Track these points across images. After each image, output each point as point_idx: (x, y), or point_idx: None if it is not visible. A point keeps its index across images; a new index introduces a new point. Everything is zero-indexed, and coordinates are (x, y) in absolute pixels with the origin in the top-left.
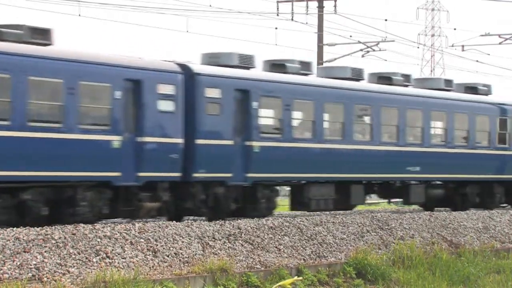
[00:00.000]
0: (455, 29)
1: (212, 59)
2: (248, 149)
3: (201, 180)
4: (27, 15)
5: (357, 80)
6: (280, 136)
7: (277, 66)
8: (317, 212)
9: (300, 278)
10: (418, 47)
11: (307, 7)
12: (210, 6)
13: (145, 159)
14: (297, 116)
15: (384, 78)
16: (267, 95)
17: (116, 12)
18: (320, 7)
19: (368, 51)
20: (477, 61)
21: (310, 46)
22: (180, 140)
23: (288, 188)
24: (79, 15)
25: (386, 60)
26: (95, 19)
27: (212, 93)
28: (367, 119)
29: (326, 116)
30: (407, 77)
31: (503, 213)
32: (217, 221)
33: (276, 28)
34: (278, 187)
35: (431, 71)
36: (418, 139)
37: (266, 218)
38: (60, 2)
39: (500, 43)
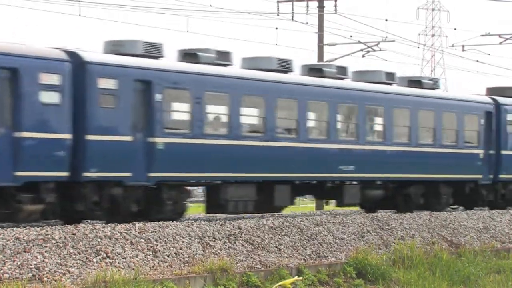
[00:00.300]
0: (455, 29)
1: (115, 47)
2: (150, 146)
3: (93, 180)
4: (28, 15)
5: (285, 72)
6: (188, 132)
7: (189, 56)
8: (317, 212)
9: (301, 278)
10: (418, 47)
11: (307, 7)
12: (211, 6)
13: (24, 157)
14: (210, 110)
15: (315, 70)
16: (173, 87)
17: (116, 12)
18: (321, 7)
19: (368, 51)
20: (477, 61)
21: (310, 46)
22: (67, 136)
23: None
24: (79, 15)
25: (386, 60)
26: (95, 19)
27: (107, 83)
28: (293, 114)
29: (244, 111)
30: (343, 69)
31: (504, 213)
32: (217, 221)
33: (276, 28)
34: (189, 188)
35: (432, 71)
36: (352, 136)
37: (265, 218)
38: (60, 2)
39: (500, 43)
